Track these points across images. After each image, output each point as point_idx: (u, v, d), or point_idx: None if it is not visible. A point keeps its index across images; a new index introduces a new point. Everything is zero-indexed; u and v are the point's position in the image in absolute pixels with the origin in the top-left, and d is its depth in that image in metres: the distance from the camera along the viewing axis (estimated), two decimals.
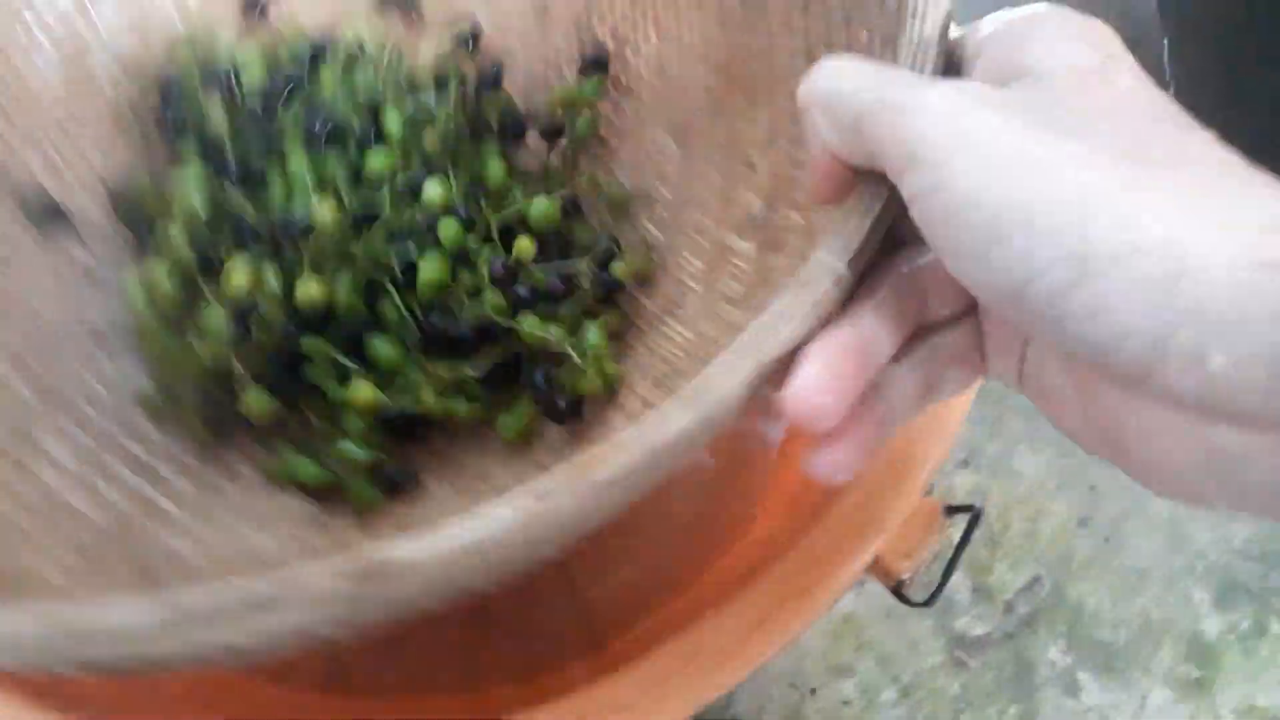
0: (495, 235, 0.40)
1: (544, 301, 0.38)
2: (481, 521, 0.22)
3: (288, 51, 0.44)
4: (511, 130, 0.44)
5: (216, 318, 0.37)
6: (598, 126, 0.44)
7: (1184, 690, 0.53)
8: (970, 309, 0.27)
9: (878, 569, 0.36)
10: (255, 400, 0.36)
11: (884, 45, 0.31)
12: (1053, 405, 0.25)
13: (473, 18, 0.47)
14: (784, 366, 0.23)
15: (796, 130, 0.38)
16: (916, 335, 0.26)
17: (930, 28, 0.27)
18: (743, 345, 0.23)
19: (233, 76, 0.43)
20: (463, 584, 0.22)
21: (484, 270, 0.38)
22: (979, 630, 0.55)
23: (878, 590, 0.36)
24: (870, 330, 0.24)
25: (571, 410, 0.36)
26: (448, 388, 0.37)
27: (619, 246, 0.40)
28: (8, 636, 0.21)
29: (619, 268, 0.39)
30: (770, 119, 0.39)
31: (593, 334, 0.37)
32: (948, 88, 0.22)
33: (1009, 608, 0.56)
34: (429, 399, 0.37)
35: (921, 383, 0.26)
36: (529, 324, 0.37)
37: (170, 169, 0.42)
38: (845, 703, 0.53)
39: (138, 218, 0.42)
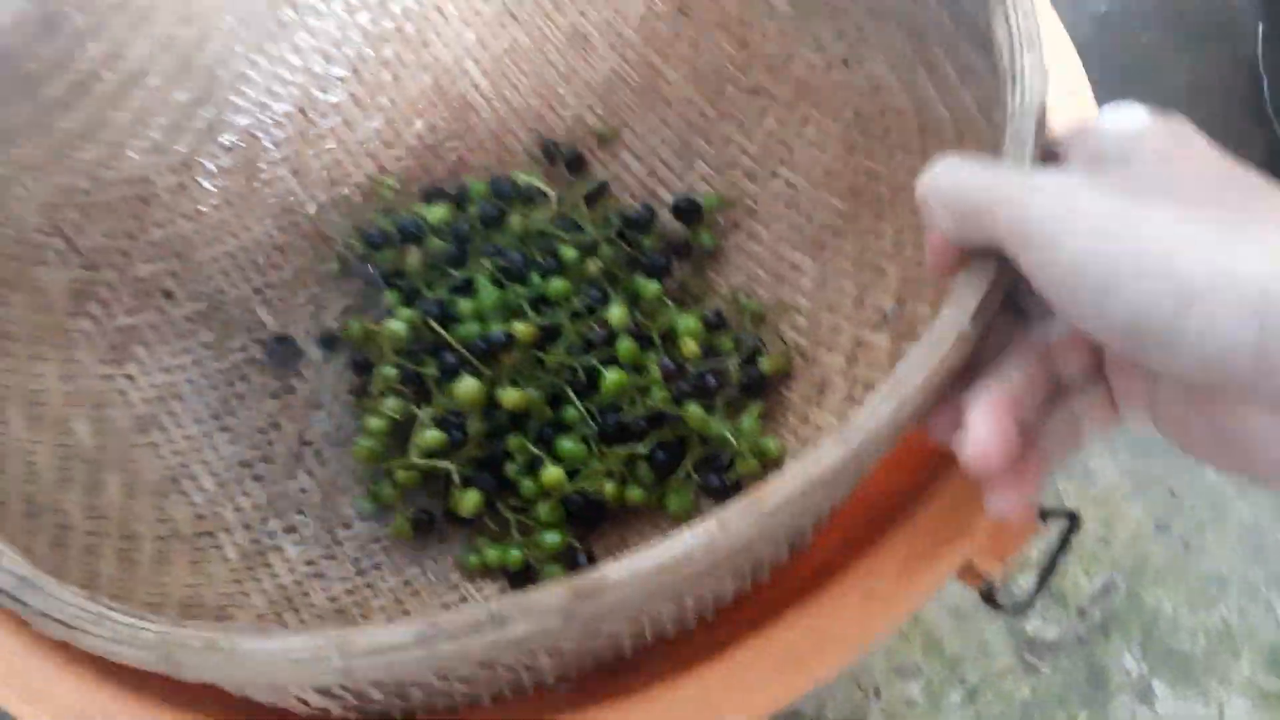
0: (658, 341, 0.47)
1: (701, 395, 0.44)
2: (674, 543, 0.26)
3: (478, 199, 0.52)
4: (660, 258, 0.50)
5: (434, 433, 0.44)
6: (715, 242, 0.51)
7: (1263, 702, 0.51)
8: (1098, 366, 0.30)
9: (967, 573, 0.35)
10: (468, 499, 0.44)
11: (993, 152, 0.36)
12: (1183, 435, 0.28)
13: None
14: (921, 409, 0.27)
15: (919, 240, 0.42)
16: (1057, 395, 0.30)
17: (1029, 132, 0.32)
18: (884, 392, 0.27)
19: (423, 226, 0.51)
20: (657, 599, 0.27)
21: (652, 371, 0.45)
22: (1050, 634, 0.53)
23: (948, 589, 0.35)
24: (1020, 385, 0.28)
25: (732, 491, 0.41)
26: (623, 475, 0.42)
27: (763, 345, 0.46)
28: (301, 650, 0.26)
29: (764, 362, 0.44)
30: (895, 230, 0.44)
31: (747, 420, 0.42)
32: (1052, 176, 0.27)
33: (1082, 612, 0.54)
34: (610, 488, 0.42)
35: (1066, 434, 0.30)
36: (693, 411, 0.43)
37: (371, 307, 0.50)
38: (910, 704, 0.51)
39: (353, 354, 0.49)
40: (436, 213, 0.52)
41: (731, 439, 0.42)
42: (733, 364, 0.45)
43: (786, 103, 0.50)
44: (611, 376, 0.44)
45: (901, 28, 0.44)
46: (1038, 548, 0.39)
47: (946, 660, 0.53)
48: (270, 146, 0.54)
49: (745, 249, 0.50)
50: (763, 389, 0.45)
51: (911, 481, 0.35)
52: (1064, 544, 0.36)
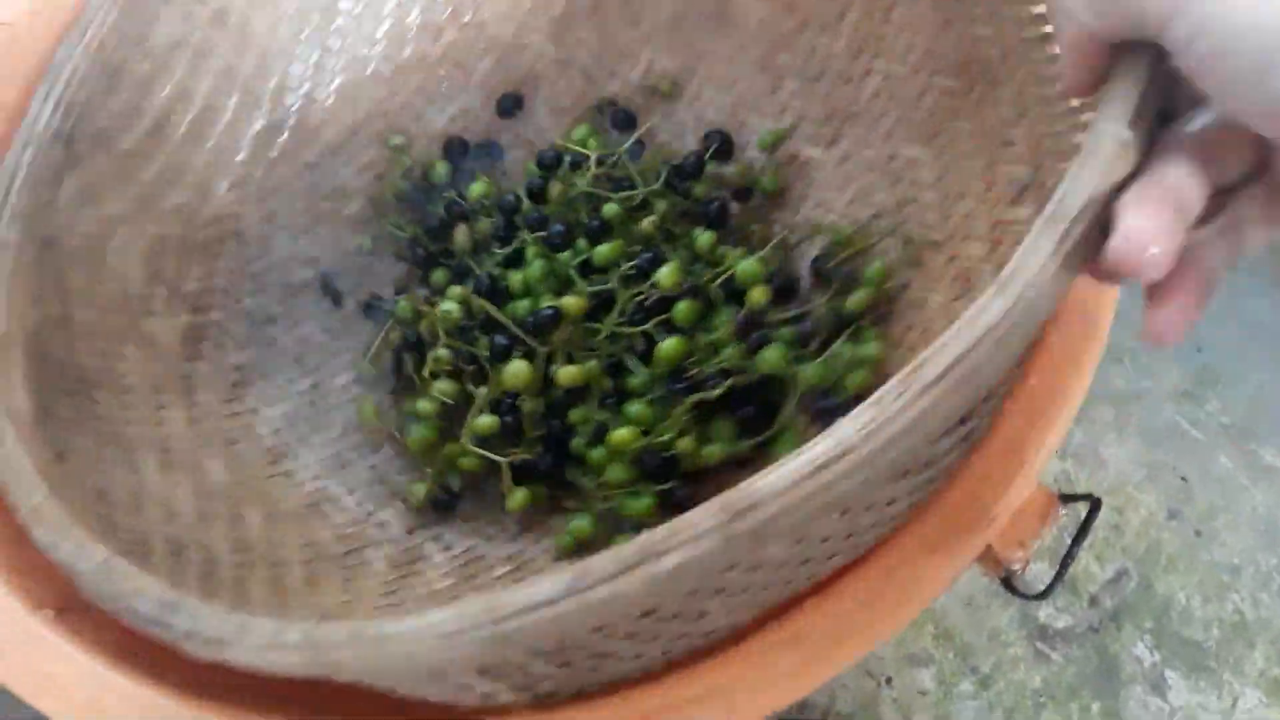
0: (717, 296, 0.44)
1: (793, 344, 0.42)
2: (827, 442, 0.23)
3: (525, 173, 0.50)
4: (713, 205, 0.47)
5: (487, 419, 0.42)
6: (778, 183, 0.48)
7: (1277, 693, 0.49)
8: (1259, 165, 0.26)
9: (987, 558, 0.34)
10: (517, 496, 0.42)
11: None
12: None
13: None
14: (1091, 236, 0.23)
15: (1044, 93, 0.38)
16: (1214, 198, 0.26)
17: None
18: (1041, 225, 0.24)
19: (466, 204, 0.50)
20: (816, 509, 0.23)
21: (719, 329, 0.42)
22: (1062, 623, 0.52)
23: (960, 577, 0.33)
24: (1176, 184, 0.24)
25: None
26: (699, 434, 0.40)
27: (855, 274, 0.43)
28: (449, 623, 0.24)
29: (852, 300, 0.42)
30: (1015, 94, 0.40)
31: (848, 350, 0.40)
32: None
33: (1094, 601, 0.53)
34: (685, 443, 0.40)
35: (1228, 241, 0.26)
36: (768, 357, 0.40)
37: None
38: (922, 693, 0.50)
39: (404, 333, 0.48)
40: (477, 189, 0.50)
41: (817, 375, 0.39)
42: (820, 305, 0.42)
43: None
44: (667, 344, 0.42)
45: None
46: (1054, 534, 0.38)
47: (958, 649, 0.52)
48: (347, 159, 0.53)
49: (856, 157, 0.46)
50: (854, 323, 0.42)
51: None
52: (1085, 530, 0.35)
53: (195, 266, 0.48)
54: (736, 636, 0.30)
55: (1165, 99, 0.25)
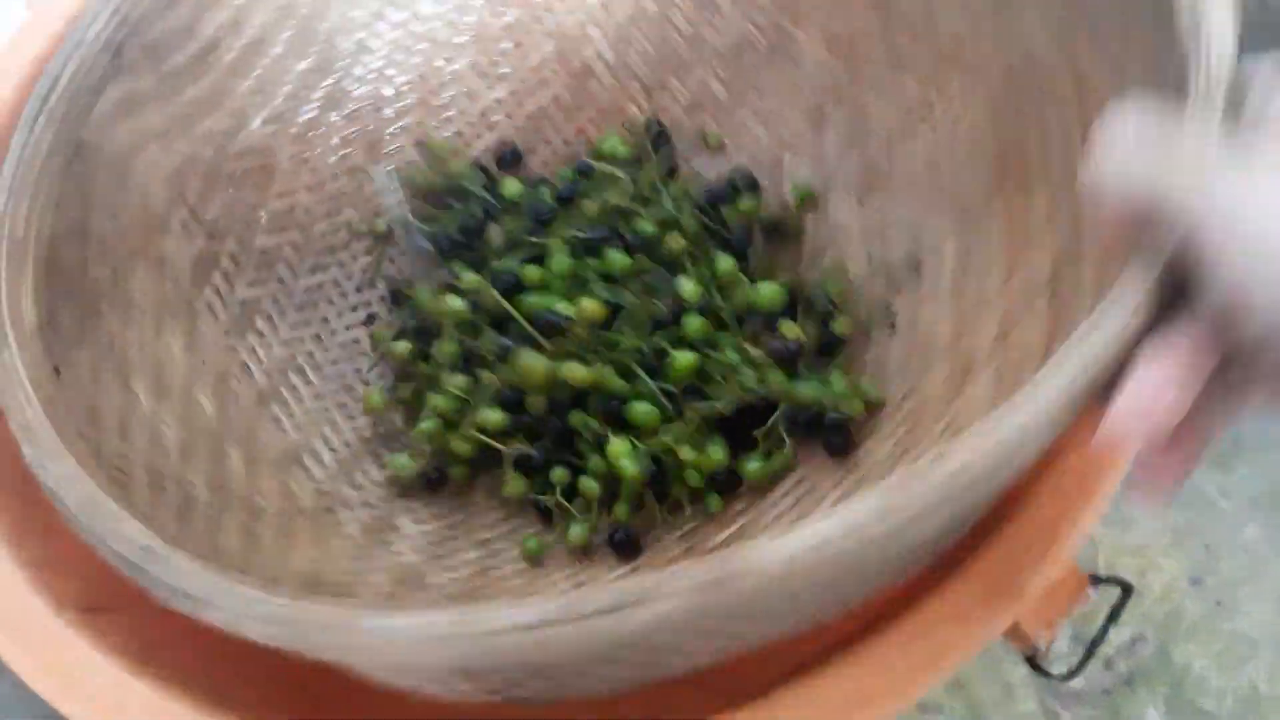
0: (732, 322, 0.45)
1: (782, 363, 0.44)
2: (832, 521, 0.24)
3: (560, 181, 0.51)
4: (741, 235, 0.48)
5: (495, 414, 0.43)
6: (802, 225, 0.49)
7: None
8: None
9: (1013, 633, 0.34)
10: (514, 483, 0.43)
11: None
12: None
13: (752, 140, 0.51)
14: (1102, 378, 0.25)
15: (1075, 207, 0.39)
16: (1220, 367, 0.27)
17: (1216, 97, 0.28)
18: (1060, 357, 0.25)
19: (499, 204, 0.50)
20: (802, 587, 0.24)
21: (727, 352, 0.43)
22: (1076, 684, 0.52)
23: None
24: (1185, 356, 0.25)
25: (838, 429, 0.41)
26: (700, 439, 0.42)
27: (836, 307, 0.45)
28: (450, 625, 0.24)
29: (837, 325, 0.45)
30: (1049, 197, 0.40)
31: (836, 381, 0.42)
32: (1228, 157, 0.25)
33: (1109, 663, 0.52)
34: (687, 452, 0.41)
35: (1227, 409, 0.27)
36: (775, 378, 0.42)
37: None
38: None
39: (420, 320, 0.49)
40: (510, 188, 0.50)
41: (819, 396, 0.41)
42: (809, 328, 0.44)
43: (928, 62, 0.46)
44: (683, 357, 0.42)
45: None
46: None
47: (970, 702, 0.52)
48: (391, 116, 0.53)
49: (884, 215, 0.47)
50: (839, 349, 0.45)
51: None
52: (1115, 616, 0.35)
53: (218, 194, 0.48)
54: (751, 693, 0.31)
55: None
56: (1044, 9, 0.41)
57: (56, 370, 0.37)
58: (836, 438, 0.41)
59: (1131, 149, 0.26)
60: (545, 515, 0.43)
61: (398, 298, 0.50)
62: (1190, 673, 0.53)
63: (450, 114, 0.54)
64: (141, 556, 0.29)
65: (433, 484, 0.44)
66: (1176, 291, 0.27)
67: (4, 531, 0.36)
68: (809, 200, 0.49)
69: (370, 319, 0.51)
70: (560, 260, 0.46)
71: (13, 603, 0.34)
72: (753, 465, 0.42)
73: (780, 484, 0.42)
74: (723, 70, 0.52)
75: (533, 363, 0.42)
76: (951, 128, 0.46)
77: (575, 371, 0.43)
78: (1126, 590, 0.35)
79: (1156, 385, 0.24)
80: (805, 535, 0.23)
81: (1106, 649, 0.53)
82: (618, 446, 0.41)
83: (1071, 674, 0.36)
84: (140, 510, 0.34)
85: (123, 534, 0.29)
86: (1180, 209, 0.25)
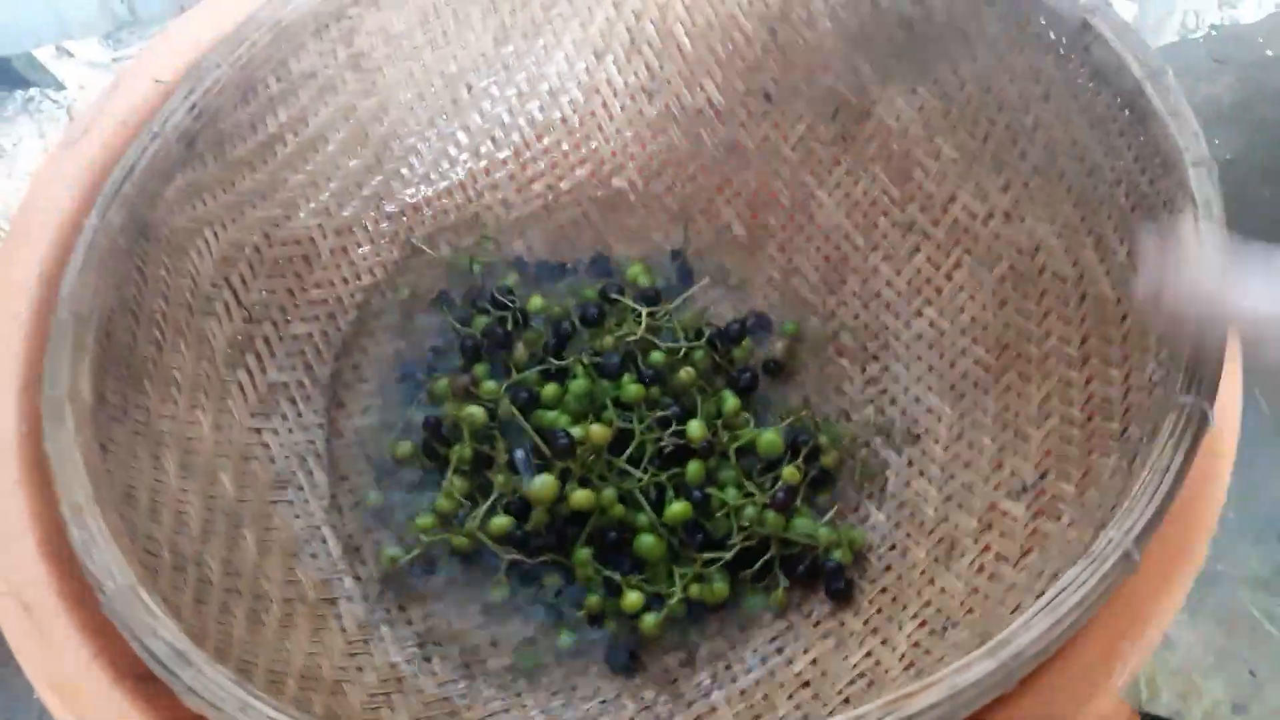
0: (733, 458, 0.48)
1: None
2: None
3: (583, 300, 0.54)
4: (746, 373, 0.51)
5: (503, 520, 0.46)
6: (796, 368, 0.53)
7: None
8: None
9: None
10: (497, 590, 0.47)
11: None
12: None
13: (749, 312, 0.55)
14: (1073, 631, 0.27)
15: (1069, 406, 0.42)
16: None
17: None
18: (1037, 609, 0.27)
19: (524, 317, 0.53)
20: None
21: (729, 490, 0.47)
22: None
23: None
24: None
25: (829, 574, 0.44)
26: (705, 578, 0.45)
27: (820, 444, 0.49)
28: None
29: (825, 458, 0.49)
30: (1043, 395, 0.44)
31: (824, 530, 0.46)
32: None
33: None
34: (694, 590, 0.45)
35: None
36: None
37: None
38: None
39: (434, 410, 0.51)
40: (535, 303, 0.53)
41: (812, 533, 0.45)
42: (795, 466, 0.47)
43: (939, 244, 0.50)
44: (676, 507, 0.46)
45: (1071, 194, 0.44)
46: None
47: None
48: (429, 218, 0.56)
49: (883, 382, 0.50)
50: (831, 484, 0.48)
51: None
52: None
53: (261, 280, 0.51)
54: None
55: None
56: (1058, 215, 0.45)
57: (103, 447, 0.39)
58: (836, 583, 0.44)
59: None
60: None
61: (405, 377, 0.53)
62: None
63: (485, 221, 0.57)
64: (172, 658, 0.31)
65: (416, 575, 0.47)
66: None
67: (69, 596, 0.37)
68: (800, 340, 0.52)
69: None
70: (580, 383, 0.49)
71: (73, 669, 0.35)
72: (753, 600, 0.46)
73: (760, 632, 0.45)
74: (746, 213, 0.56)
75: (544, 491, 0.45)
76: (956, 310, 0.49)
77: (581, 498, 0.45)
78: None
79: None
80: None
81: None
82: (634, 599, 0.44)
83: None
84: (167, 595, 0.37)
85: (157, 633, 0.31)
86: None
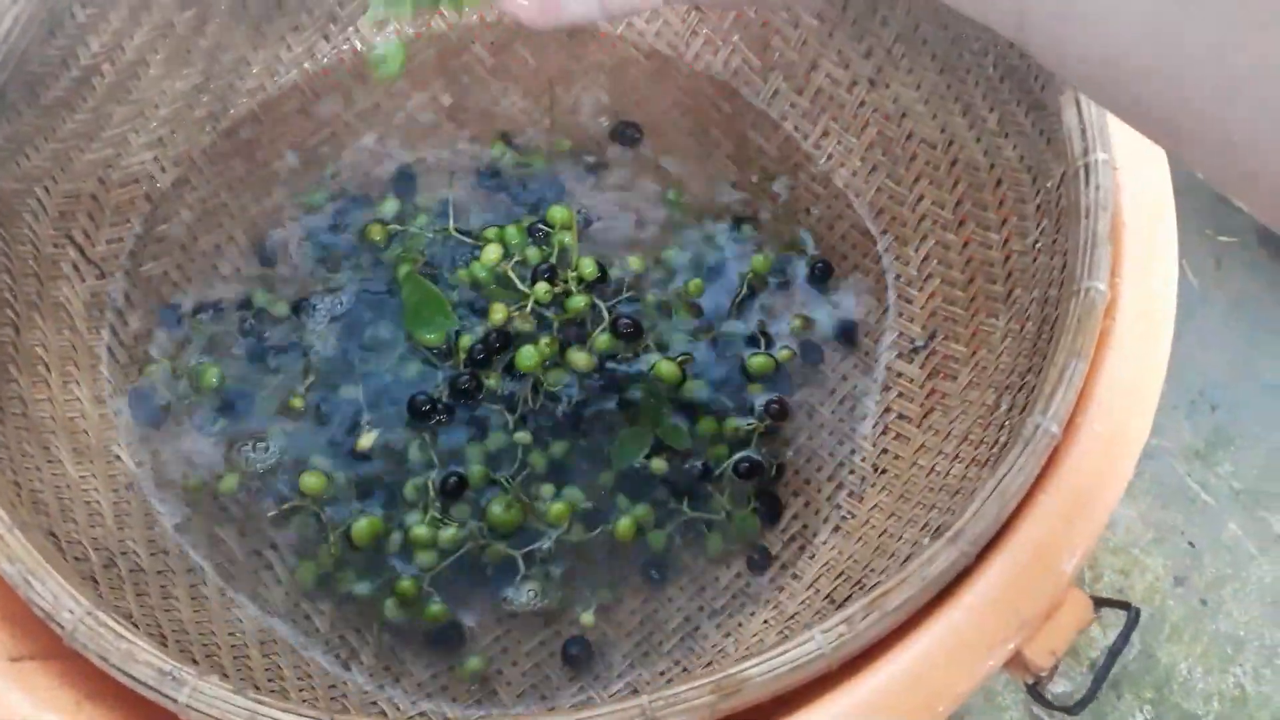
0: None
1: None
2: (807, 646, 0.29)
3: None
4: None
5: (429, 556, 0.44)
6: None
7: None
8: None
9: (1015, 663, 0.32)
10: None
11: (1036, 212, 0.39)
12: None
13: None
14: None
15: (949, 269, 0.45)
16: None
17: (1103, 239, 0.35)
18: (988, 494, 0.31)
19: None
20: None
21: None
22: (1060, 688, 0.50)
23: None
24: None
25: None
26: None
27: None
28: None
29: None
30: (922, 256, 0.46)
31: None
32: None
33: (1094, 667, 0.52)
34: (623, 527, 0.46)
35: None
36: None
37: None
38: None
39: None
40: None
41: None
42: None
43: (804, 112, 0.51)
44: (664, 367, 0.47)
45: (936, 61, 0.45)
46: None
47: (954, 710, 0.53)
48: (271, 127, 0.52)
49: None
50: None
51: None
52: (1122, 643, 0.35)
53: (105, 229, 0.47)
54: None
55: None
56: (924, 81, 0.46)
57: None
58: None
59: None
60: None
61: None
62: (1176, 675, 0.52)
63: (332, 130, 0.54)
64: (160, 680, 0.30)
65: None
66: None
67: None
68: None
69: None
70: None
71: None
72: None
73: None
74: (604, 95, 0.55)
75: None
76: (826, 176, 0.50)
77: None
78: (1134, 614, 0.34)
79: None
80: (784, 659, 0.29)
81: (1091, 652, 0.51)
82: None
83: (1082, 703, 0.34)
84: (111, 602, 0.35)
85: (137, 657, 0.30)
86: None
